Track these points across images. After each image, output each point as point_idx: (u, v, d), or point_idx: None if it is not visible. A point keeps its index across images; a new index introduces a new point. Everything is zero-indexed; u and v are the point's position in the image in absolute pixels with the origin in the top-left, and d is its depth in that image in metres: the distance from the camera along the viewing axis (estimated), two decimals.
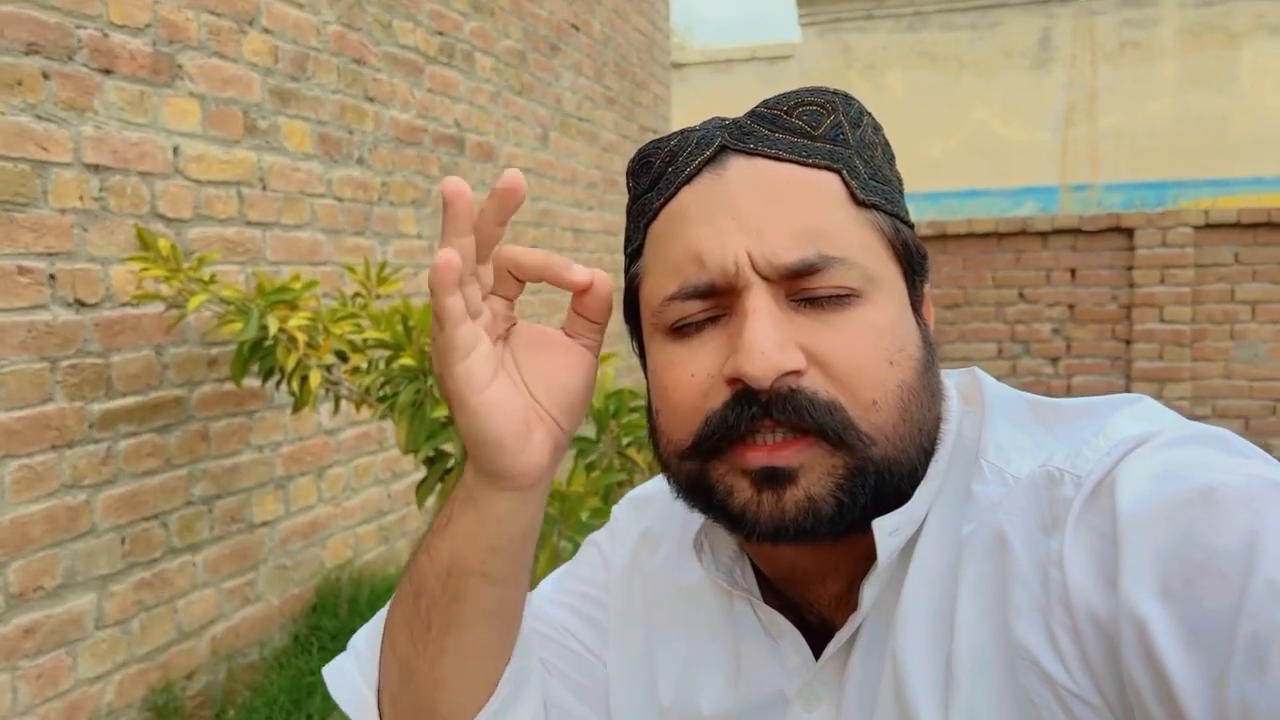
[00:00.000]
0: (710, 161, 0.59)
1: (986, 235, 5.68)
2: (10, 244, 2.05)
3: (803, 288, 0.56)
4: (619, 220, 5.43)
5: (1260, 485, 0.48)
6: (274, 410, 2.78)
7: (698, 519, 0.65)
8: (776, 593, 0.66)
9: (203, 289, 2.15)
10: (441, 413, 2.04)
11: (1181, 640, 0.45)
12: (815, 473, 0.55)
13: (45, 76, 2.13)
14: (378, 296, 2.57)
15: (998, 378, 0.67)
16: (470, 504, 0.62)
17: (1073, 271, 5.55)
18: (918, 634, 0.57)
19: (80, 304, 2.20)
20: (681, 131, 0.63)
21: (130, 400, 2.32)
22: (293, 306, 2.20)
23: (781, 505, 0.55)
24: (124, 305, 2.29)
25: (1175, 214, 5.42)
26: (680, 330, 0.59)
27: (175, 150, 2.46)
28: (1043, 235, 5.58)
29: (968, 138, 10.54)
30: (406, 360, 2.06)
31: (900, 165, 0.66)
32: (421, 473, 3.32)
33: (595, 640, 0.75)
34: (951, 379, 0.66)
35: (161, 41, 2.42)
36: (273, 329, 2.11)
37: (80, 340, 2.20)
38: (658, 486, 0.76)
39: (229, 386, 2.60)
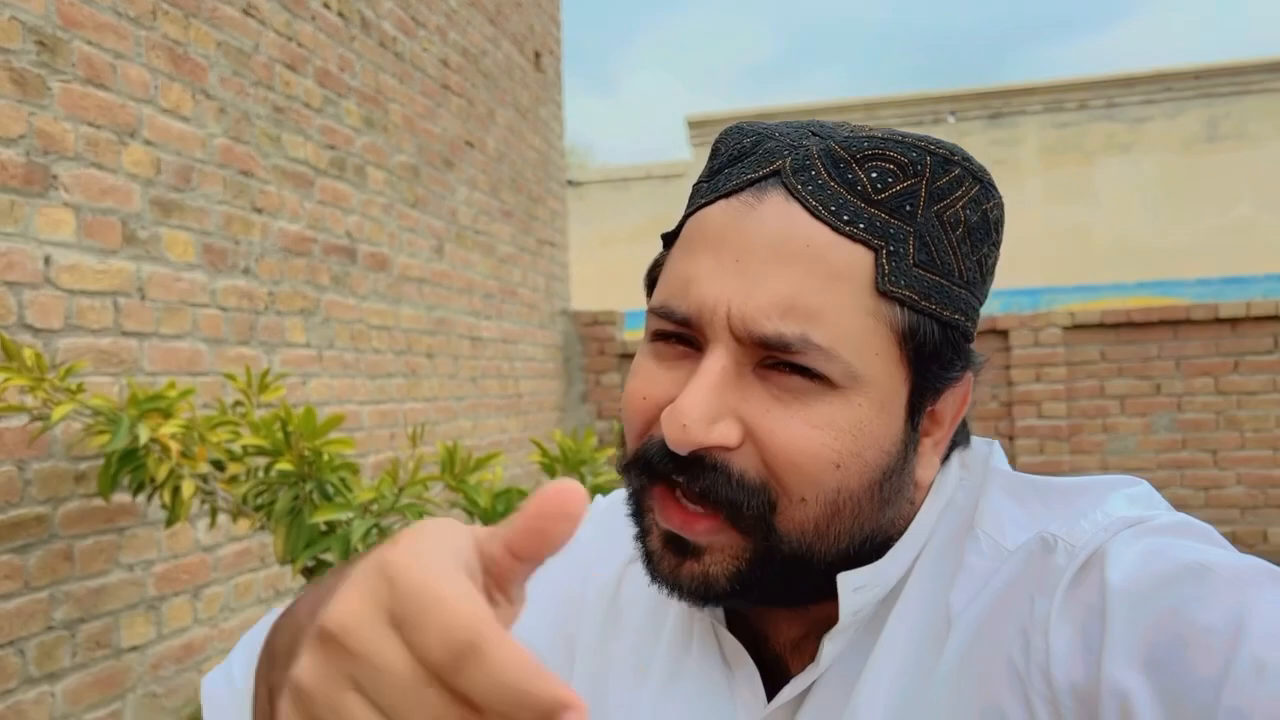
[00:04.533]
0: (756, 184, 0.55)
1: None
2: None
3: (772, 358, 0.53)
4: (517, 329, 5.47)
5: (1248, 567, 0.48)
6: (147, 527, 2.66)
7: None
8: (741, 620, 0.64)
9: (69, 398, 2.07)
10: (321, 518, 1.99)
11: (1163, 712, 0.45)
12: (720, 554, 0.54)
13: None
14: (259, 405, 2.52)
15: None
16: None
17: None
18: (880, 704, 0.56)
19: None
20: (769, 129, 0.59)
21: None
22: (166, 415, 2.14)
23: (677, 572, 0.56)
24: None
25: (1045, 316, 5.76)
26: (659, 340, 0.58)
27: (46, 260, 2.40)
28: None
29: None
30: (285, 465, 2.01)
31: None
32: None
33: (562, 663, 0.71)
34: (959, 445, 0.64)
35: (36, 152, 2.39)
36: (143, 438, 2.04)
37: None
38: None
39: (97, 503, 2.48)
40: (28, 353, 2.09)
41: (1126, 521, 0.53)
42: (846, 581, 0.56)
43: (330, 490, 2.09)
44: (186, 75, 2.94)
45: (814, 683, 0.59)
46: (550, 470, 2.21)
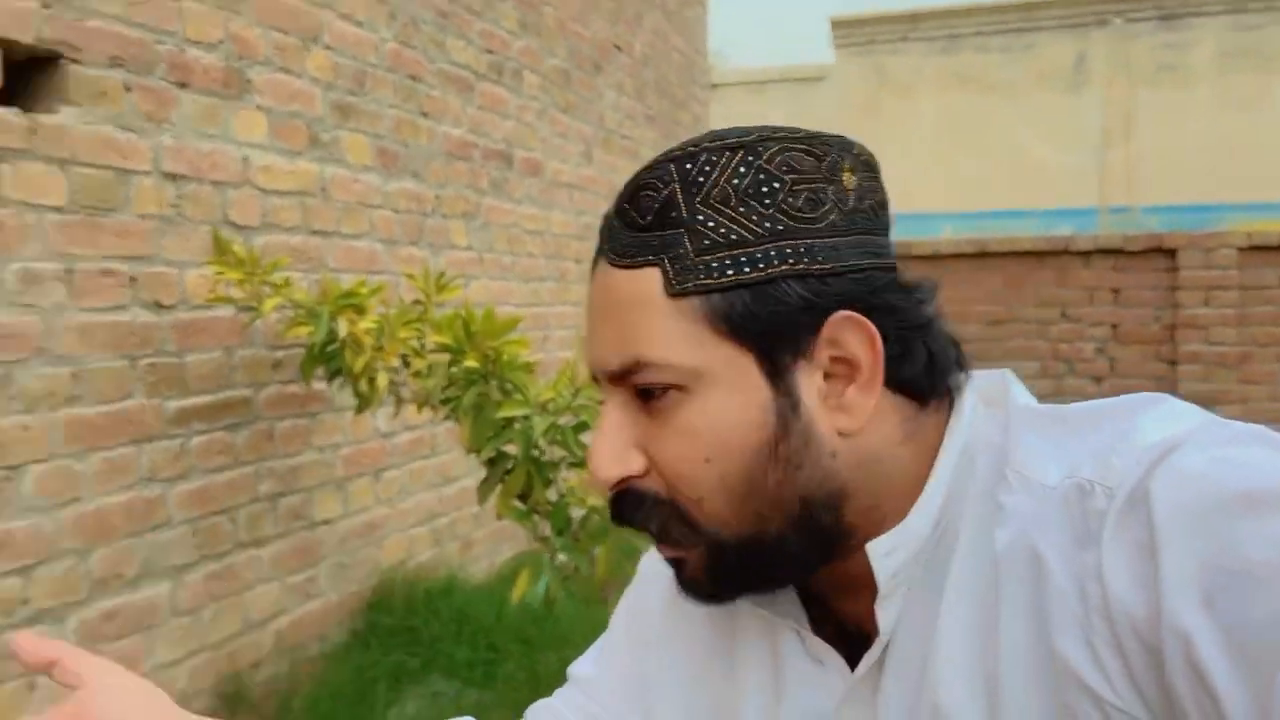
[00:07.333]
0: (596, 261, 0.63)
1: (1027, 254, 5.69)
2: (95, 247, 2.14)
3: (635, 386, 0.59)
4: None
5: None
6: (334, 413, 2.86)
7: None
8: (817, 607, 0.67)
9: (275, 292, 2.23)
10: (503, 414, 2.11)
11: (1225, 651, 0.45)
12: (690, 559, 0.61)
13: (127, 89, 2.23)
14: (437, 304, 2.65)
15: (1040, 396, 0.64)
16: None
17: (1115, 292, 5.55)
18: (957, 652, 0.57)
19: (158, 306, 2.29)
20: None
21: (202, 399, 2.41)
22: (360, 310, 2.28)
23: (681, 582, 0.63)
24: (197, 308, 2.38)
25: (1219, 235, 5.41)
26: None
27: (245, 160, 2.56)
28: (1084, 255, 5.59)
29: (1002, 159, 10.54)
30: (470, 362, 2.13)
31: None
32: (470, 477, 3.39)
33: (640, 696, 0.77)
34: (976, 381, 0.64)
35: (233, 57, 2.52)
36: (342, 332, 2.19)
37: (158, 340, 2.29)
38: None
39: (292, 389, 2.68)
40: (238, 248, 2.25)
41: (1159, 449, 0.52)
42: (875, 548, 0.58)
43: (509, 388, 2.20)
44: None
45: (889, 646, 0.61)
46: None
